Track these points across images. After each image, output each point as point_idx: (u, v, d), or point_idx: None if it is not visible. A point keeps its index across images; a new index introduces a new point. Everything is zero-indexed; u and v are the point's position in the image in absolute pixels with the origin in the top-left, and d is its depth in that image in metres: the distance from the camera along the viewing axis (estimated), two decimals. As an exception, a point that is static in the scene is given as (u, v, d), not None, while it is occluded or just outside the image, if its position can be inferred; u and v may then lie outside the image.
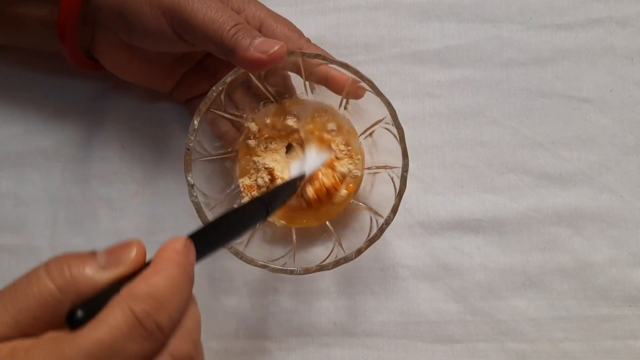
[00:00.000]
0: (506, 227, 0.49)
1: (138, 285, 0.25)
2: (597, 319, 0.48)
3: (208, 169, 0.46)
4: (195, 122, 0.42)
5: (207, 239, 0.30)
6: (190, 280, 0.27)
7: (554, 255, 0.49)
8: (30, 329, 0.25)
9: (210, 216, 0.43)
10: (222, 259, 0.49)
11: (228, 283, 0.50)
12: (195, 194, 0.42)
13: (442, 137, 0.51)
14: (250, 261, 0.42)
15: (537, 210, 0.49)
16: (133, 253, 0.27)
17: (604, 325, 0.48)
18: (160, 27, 0.40)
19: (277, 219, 0.47)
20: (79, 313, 0.25)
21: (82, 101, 0.52)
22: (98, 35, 0.44)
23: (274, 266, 0.42)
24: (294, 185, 0.42)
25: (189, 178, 0.42)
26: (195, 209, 0.42)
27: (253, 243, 0.46)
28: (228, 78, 0.42)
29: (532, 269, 0.49)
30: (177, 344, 0.26)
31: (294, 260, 0.45)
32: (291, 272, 0.42)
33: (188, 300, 0.27)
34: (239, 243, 0.43)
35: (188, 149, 0.42)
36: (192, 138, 0.42)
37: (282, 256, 0.45)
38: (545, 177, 0.50)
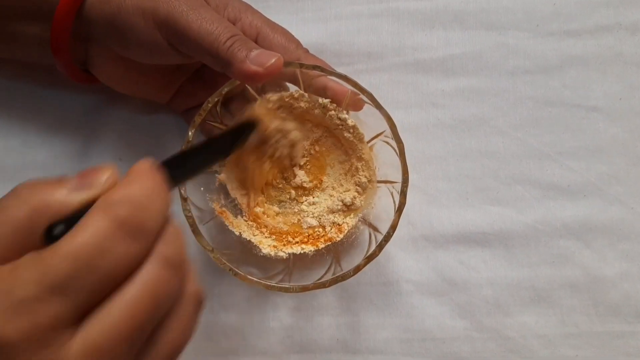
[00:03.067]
0: (513, 241, 0.49)
1: (114, 193, 0.25)
2: (608, 336, 0.47)
3: (203, 182, 0.45)
4: (190, 133, 0.42)
5: (176, 167, 0.30)
6: (165, 193, 0.26)
7: (563, 270, 0.48)
8: (10, 255, 0.24)
9: (205, 230, 0.42)
10: (220, 274, 0.48)
11: (227, 299, 0.49)
12: (188, 208, 0.42)
13: (446, 148, 0.50)
14: (243, 278, 0.41)
15: (545, 223, 0.49)
16: (105, 175, 0.26)
17: (615, 342, 0.47)
18: (155, 38, 0.40)
19: (273, 249, 0.45)
20: (57, 227, 0.24)
21: (78, 113, 0.52)
22: (92, 48, 0.44)
23: (268, 283, 0.41)
24: (252, 126, 0.41)
25: (182, 192, 0.42)
26: (189, 223, 0.41)
27: (247, 259, 0.45)
28: (224, 89, 0.42)
29: (541, 284, 0.48)
30: (165, 247, 0.25)
31: (290, 277, 0.44)
32: (287, 289, 0.41)
33: (166, 213, 0.26)
34: (233, 259, 0.42)
35: None
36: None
37: (278, 272, 0.44)
38: (553, 189, 0.49)
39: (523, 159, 0.49)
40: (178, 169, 0.31)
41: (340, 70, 0.43)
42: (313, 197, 0.47)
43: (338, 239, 0.45)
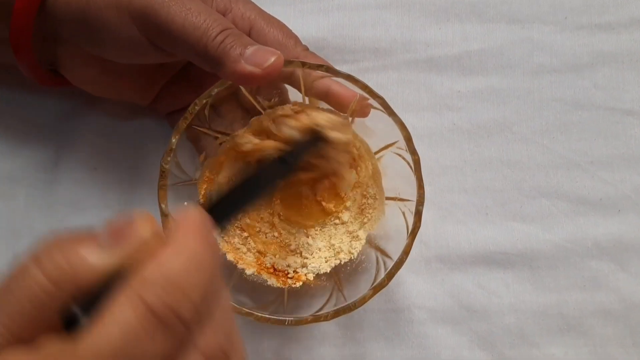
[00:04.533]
0: (539, 262, 0.47)
1: (151, 269, 0.22)
2: (647, 369, 0.46)
3: (188, 196, 0.42)
4: (173, 140, 0.39)
5: (224, 209, 0.28)
6: (216, 256, 0.24)
7: (596, 295, 0.46)
8: (26, 332, 0.22)
9: None
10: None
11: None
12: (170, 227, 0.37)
13: (462, 157, 0.48)
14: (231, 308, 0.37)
15: (574, 241, 0.47)
16: (142, 230, 0.23)
17: (655, 376, 0.45)
18: (131, 35, 0.36)
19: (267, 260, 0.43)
20: (77, 313, 0.22)
21: (49, 118, 0.49)
22: (61, 49, 0.40)
23: (260, 314, 0.38)
24: (317, 142, 0.36)
25: (162, 207, 0.39)
26: None
27: (237, 285, 0.42)
28: (214, 90, 0.38)
29: (571, 311, 0.46)
30: (207, 338, 0.23)
31: (285, 307, 0.41)
32: (281, 322, 0.38)
33: (215, 283, 0.24)
34: None
35: (163, 172, 0.39)
36: (169, 159, 0.39)
37: (271, 301, 0.41)
38: (584, 203, 0.47)
39: (550, 170, 0.47)
40: (227, 213, 0.28)
41: (343, 68, 0.39)
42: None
43: (294, 285, 0.41)
